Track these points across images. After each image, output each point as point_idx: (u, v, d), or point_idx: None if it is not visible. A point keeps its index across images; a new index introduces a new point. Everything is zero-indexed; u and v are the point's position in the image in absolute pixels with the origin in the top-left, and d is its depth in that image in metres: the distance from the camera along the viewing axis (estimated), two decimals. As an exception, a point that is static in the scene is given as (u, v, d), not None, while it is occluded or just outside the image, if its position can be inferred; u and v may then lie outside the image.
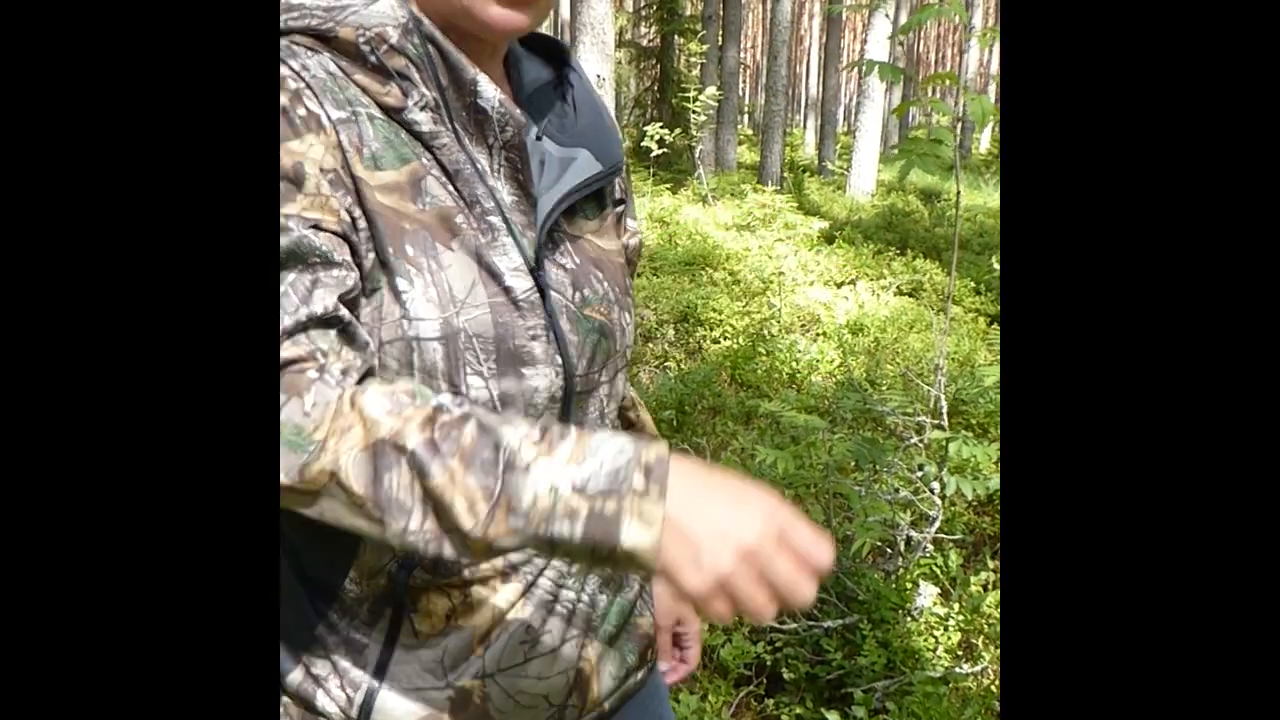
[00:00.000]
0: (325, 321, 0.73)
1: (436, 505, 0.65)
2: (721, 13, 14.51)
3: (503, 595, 0.86)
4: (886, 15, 11.51)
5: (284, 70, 0.77)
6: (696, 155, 12.57)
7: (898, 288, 6.91)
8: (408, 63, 0.80)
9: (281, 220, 0.73)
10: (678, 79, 14.85)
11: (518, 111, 0.83)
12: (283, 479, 0.66)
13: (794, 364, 4.83)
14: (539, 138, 0.91)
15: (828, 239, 8.49)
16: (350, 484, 0.65)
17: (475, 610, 0.85)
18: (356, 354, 0.75)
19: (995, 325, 5.90)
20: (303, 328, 0.72)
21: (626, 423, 1.14)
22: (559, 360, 0.85)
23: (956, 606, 2.43)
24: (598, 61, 6.70)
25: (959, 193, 2.38)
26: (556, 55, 0.98)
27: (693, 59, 14.66)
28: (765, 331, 5.41)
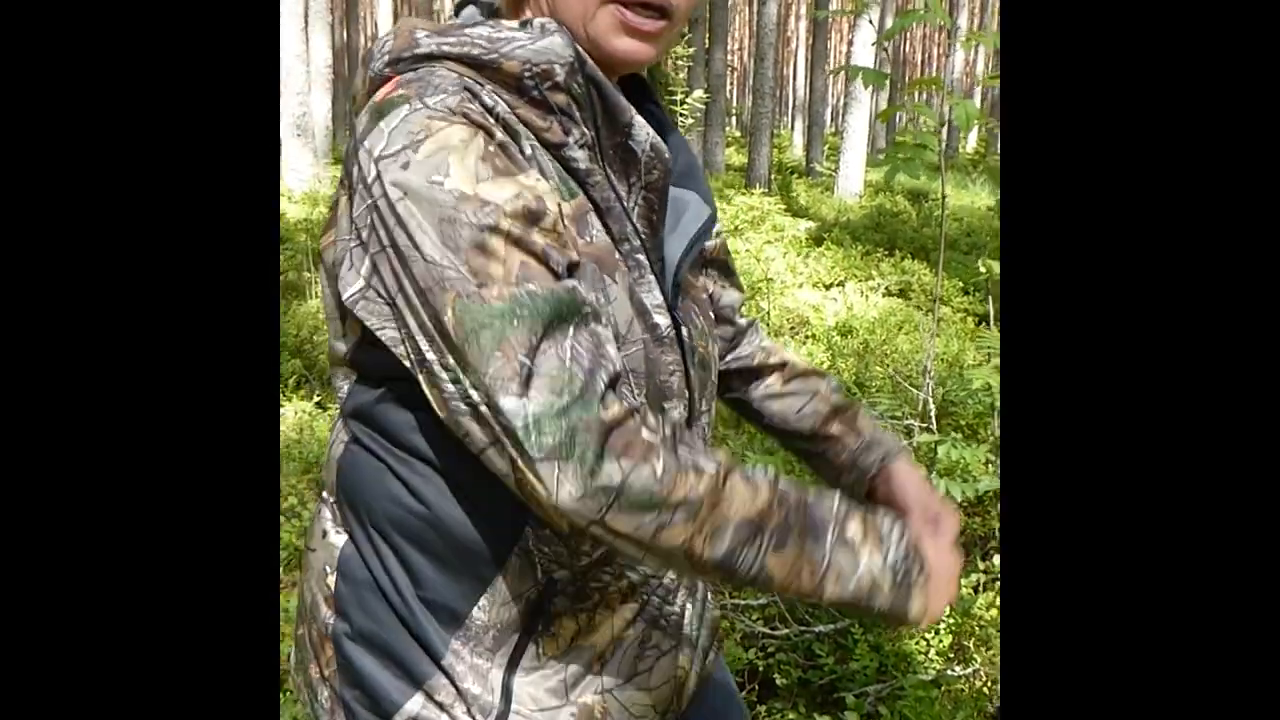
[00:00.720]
0: (618, 378, 0.76)
1: (783, 574, 0.77)
2: (708, 16, 14.52)
3: (621, 615, 0.90)
4: (870, 22, 11.54)
5: (477, 105, 0.77)
6: (684, 158, 12.54)
7: (886, 288, 6.92)
8: (570, 100, 0.81)
9: (538, 249, 0.74)
10: (665, 81, 14.85)
11: (667, 155, 0.85)
12: (630, 533, 0.73)
13: (783, 367, 4.82)
14: None
15: (816, 240, 8.50)
16: (704, 555, 0.74)
17: (597, 630, 0.88)
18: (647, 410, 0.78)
19: (983, 325, 5.91)
20: (612, 385, 0.74)
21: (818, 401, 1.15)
22: (687, 394, 0.89)
23: (947, 609, 2.43)
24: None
25: (945, 195, 2.39)
26: (640, 91, 0.98)
27: (679, 62, 14.67)
28: (754, 334, 5.40)
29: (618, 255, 0.83)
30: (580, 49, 0.81)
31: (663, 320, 0.86)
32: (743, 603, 2.61)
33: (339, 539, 0.90)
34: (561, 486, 0.70)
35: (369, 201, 0.75)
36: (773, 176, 14.03)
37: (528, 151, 0.79)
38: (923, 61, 42.08)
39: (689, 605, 0.97)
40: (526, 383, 0.71)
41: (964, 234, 9.28)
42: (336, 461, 0.91)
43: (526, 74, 0.79)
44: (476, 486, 0.81)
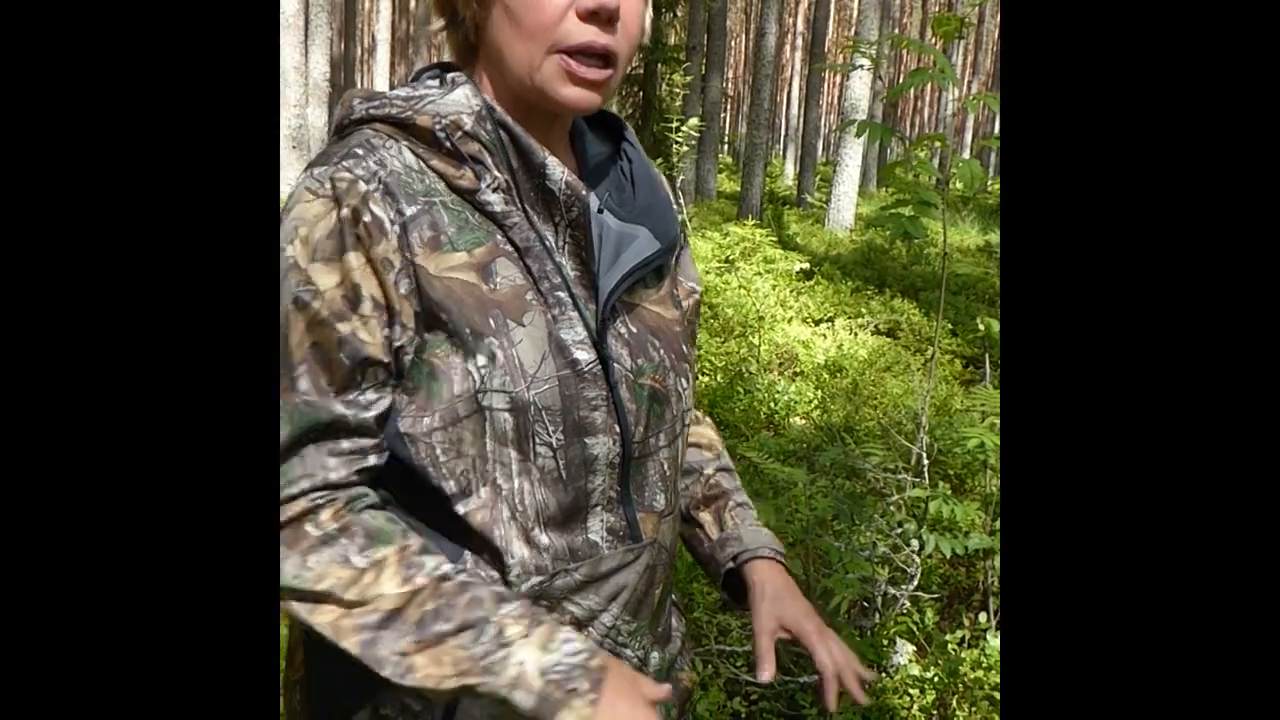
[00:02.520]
0: (326, 485, 0.84)
1: (427, 664, 0.80)
2: (705, 43, 14.61)
3: None
4: (865, 67, 11.62)
5: (359, 170, 0.83)
6: (678, 185, 12.61)
7: (875, 327, 6.95)
8: (481, 148, 0.86)
9: (336, 337, 0.81)
10: (661, 107, 14.92)
11: (584, 192, 0.88)
12: (294, 614, 0.81)
13: (772, 404, 4.84)
14: (600, 211, 0.96)
15: (807, 275, 8.53)
16: (351, 640, 0.81)
17: None
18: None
19: (971, 367, 5.94)
20: (309, 491, 0.83)
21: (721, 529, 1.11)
22: (617, 429, 0.90)
23: (933, 671, 2.43)
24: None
25: (945, 254, 2.40)
26: (615, 130, 1.03)
27: (676, 90, 14.75)
28: (744, 370, 5.42)
29: (532, 295, 0.87)
30: (489, 98, 0.88)
31: (584, 355, 0.88)
32: (728, 649, 2.60)
33: None
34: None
35: None
36: (765, 206, 14.08)
37: (408, 212, 0.83)
38: (916, 97, 42.43)
39: (654, 654, 0.98)
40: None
41: (952, 273, 9.34)
42: None
43: (437, 127, 0.85)
44: (418, 523, 0.88)
